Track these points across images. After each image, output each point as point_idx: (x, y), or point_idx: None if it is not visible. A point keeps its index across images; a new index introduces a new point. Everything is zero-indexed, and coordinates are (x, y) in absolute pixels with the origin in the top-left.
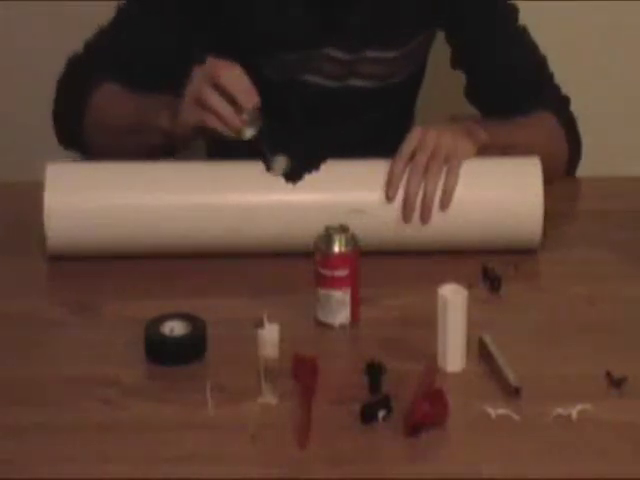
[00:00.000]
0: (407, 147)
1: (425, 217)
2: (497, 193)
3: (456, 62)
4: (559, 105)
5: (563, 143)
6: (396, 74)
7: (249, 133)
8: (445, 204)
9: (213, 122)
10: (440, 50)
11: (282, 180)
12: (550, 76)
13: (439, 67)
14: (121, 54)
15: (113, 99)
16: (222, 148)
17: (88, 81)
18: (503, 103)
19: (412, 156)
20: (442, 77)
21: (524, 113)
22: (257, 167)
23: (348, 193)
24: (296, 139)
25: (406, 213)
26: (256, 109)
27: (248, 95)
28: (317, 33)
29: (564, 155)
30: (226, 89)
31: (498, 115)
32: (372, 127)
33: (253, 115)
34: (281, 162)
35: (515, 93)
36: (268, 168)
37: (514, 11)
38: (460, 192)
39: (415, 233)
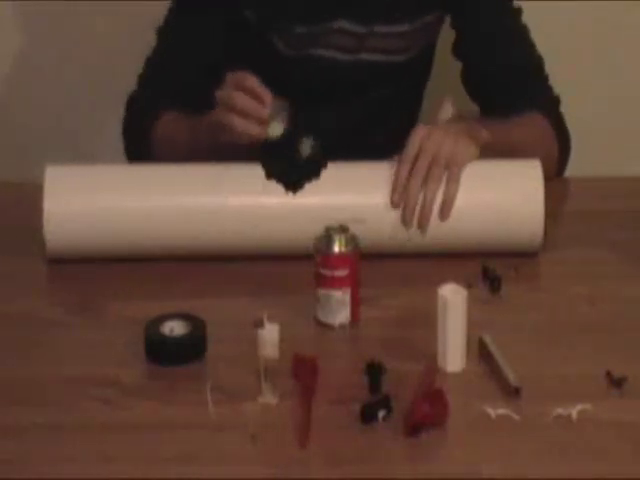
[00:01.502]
0: (411, 150)
1: (423, 225)
2: (498, 196)
3: (457, 49)
4: (551, 106)
5: (554, 144)
6: (408, 49)
7: (277, 130)
8: (445, 214)
9: (239, 122)
10: (450, 39)
11: (282, 186)
12: (546, 77)
13: (449, 55)
14: (174, 77)
15: (172, 127)
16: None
17: (148, 116)
18: (498, 97)
19: (416, 158)
20: (452, 65)
21: (518, 111)
22: (258, 170)
23: (349, 198)
24: (304, 120)
25: (405, 219)
26: (282, 105)
27: (265, 91)
28: (330, 5)
29: (555, 156)
30: (247, 88)
31: (491, 108)
32: (381, 104)
33: (278, 109)
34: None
35: (511, 90)
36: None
37: (518, 10)
38: (461, 195)
39: (416, 236)
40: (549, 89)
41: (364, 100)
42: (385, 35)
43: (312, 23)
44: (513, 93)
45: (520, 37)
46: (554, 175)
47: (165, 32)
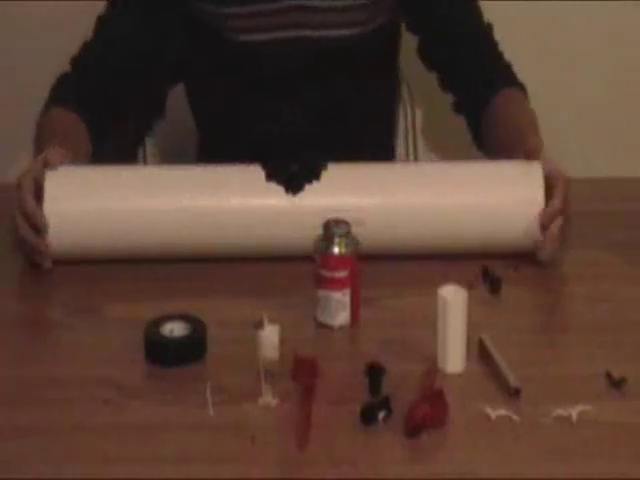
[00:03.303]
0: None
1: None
2: (498, 197)
3: (408, 23)
4: (510, 71)
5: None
6: (370, 21)
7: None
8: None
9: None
10: None
11: (282, 186)
12: (497, 43)
13: None
14: (99, 67)
15: (46, 120)
16: (214, 152)
17: (53, 99)
18: (459, 68)
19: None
20: None
21: (480, 75)
22: (257, 171)
23: (348, 200)
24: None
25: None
26: None
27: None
28: None
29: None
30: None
31: (450, 80)
32: (354, 82)
33: None
34: None
35: (471, 61)
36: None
37: None
38: (462, 196)
39: (416, 238)
40: (502, 55)
41: (331, 84)
42: (345, 9)
43: (263, 2)
44: (473, 65)
45: (472, 5)
46: None
47: (101, 20)
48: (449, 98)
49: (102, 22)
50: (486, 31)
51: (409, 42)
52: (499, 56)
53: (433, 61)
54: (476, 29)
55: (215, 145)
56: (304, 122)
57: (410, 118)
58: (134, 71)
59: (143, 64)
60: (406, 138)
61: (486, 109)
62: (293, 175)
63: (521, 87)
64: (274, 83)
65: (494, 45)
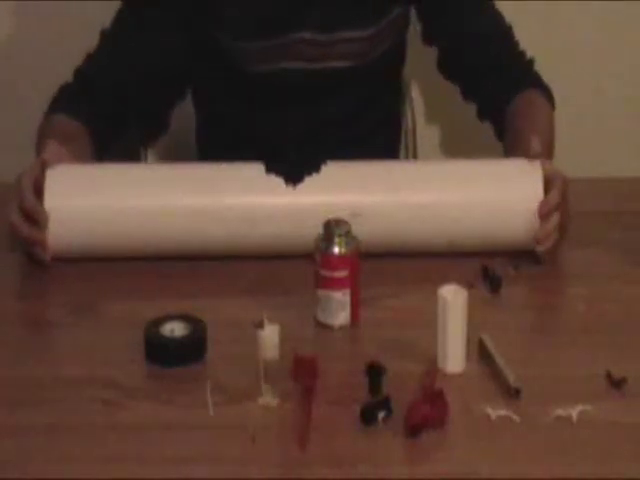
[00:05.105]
0: (556, 197)
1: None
2: (498, 195)
3: (427, 36)
4: (531, 72)
5: (550, 106)
6: (374, 51)
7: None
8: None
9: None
10: None
11: (282, 183)
12: (518, 43)
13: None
14: (104, 80)
15: (46, 125)
16: (215, 149)
17: (54, 107)
18: (482, 74)
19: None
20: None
21: (509, 92)
22: (257, 169)
23: (349, 198)
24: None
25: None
26: None
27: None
28: (288, 18)
29: (553, 115)
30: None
31: (474, 88)
32: (353, 103)
33: None
34: None
35: (494, 64)
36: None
37: None
38: (462, 195)
39: (416, 235)
40: (524, 54)
41: (335, 102)
42: (350, 40)
43: (272, 37)
44: (491, 69)
45: (489, 7)
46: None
47: (105, 34)
48: (473, 108)
49: (107, 36)
50: (504, 32)
51: (413, 49)
52: (518, 57)
53: (452, 71)
54: (491, 32)
55: (216, 151)
56: (302, 128)
57: (411, 127)
58: (137, 85)
59: (147, 78)
60: (407, 148)
61: (506, 111)
62: (293, 166)
63: (542, 87)
64: (276, 101)
65: (513, 46)
